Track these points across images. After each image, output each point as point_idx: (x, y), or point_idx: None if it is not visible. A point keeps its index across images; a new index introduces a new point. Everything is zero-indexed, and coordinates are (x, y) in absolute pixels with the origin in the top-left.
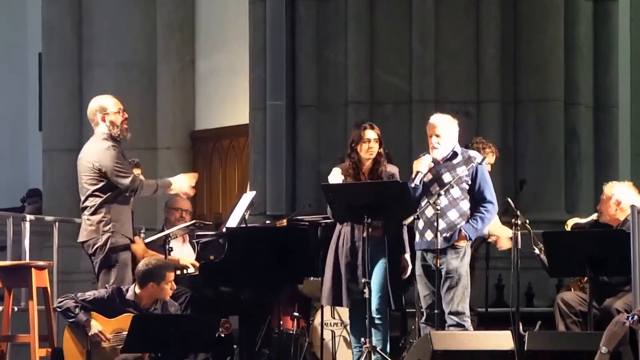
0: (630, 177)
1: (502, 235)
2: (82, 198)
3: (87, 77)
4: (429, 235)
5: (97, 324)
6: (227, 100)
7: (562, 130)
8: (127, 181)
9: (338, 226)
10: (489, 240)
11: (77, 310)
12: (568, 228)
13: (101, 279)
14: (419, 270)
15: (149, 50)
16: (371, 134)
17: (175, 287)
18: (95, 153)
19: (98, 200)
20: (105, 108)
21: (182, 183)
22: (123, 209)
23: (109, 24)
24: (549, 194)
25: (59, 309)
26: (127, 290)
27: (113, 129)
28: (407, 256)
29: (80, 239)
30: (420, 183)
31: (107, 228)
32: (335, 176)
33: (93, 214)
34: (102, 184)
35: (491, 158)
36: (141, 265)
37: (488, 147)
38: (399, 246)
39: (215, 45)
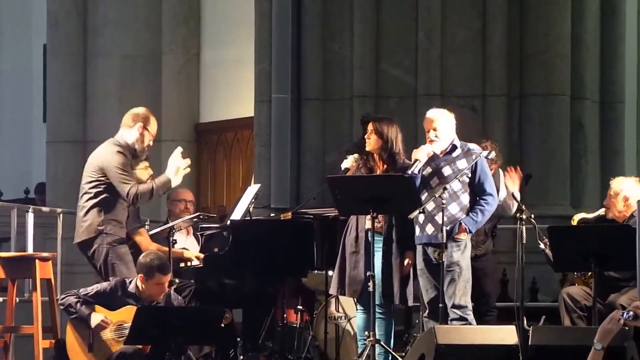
0: (635, 172)
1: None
2: (80, 197)
3: (91, 68)
4: (429, 229)
5: (99, 314)
6: (232, 92)
7: (568, 125)
8: (126, 188)
9: (351, 216)
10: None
11: (78, 305)
12: (574, 223)
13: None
14: (419, 265)
15: (154, 42)
16: (369, 125)
17: (166, 290)
18: (103, 155)
19: (91, 202)
20: (149, 122)
21: (173, 170)
22: (117, 207)
23: (114, 15)
24: (555, 188)
25: (61, 306)
26: (129, 282)
27: (138, 143)
28: (411, 253)
29: (77, 239)
30: (418, 172)
31: (99, 230)
32: (347, 161)
33: (86, 214)
34: (102, 186)
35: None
36: (142, 257)
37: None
38: (405, 241)
39: (221, 37)
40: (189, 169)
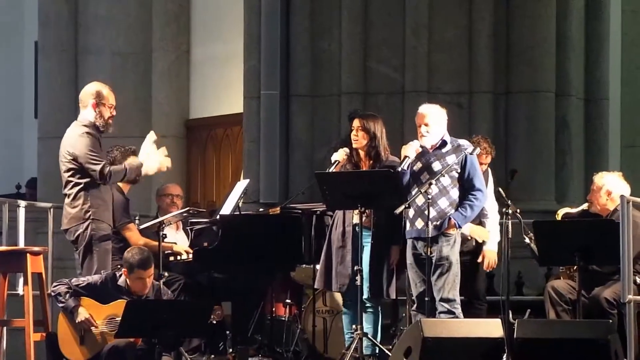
0: (619, 169)
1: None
2: (63, 185)
3: (82, 65)
4: (419, 223)
5: (85, 311)
6: (222, 89)
7: (553, 122)
8: (97, 168)
9: (336, 212)
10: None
11: (67, 296)
12: (559, 217)
13: (85, 266)
14: (409, 259)
15: (145, 39)
16: (355, 122)
17: (148, 286)
18: (72, 140)
19: (76, 188)
20: (102, 96)
21: (151, 161)
22: (104, 195)
23: (105, 12)
24: (540, 184)
25: (52, 293)
26: (119, 276)
27: (98, 119)
28: (397, 248)
29: (63, 226)
30: (408, 168)
31: (87, 215)
32: (338, 154)
33: (73, 201)
34: (76, 170)
35: (486, 159)
36: (125, 253)
37: (484, 149)
38: (390, 235)
39: (211, 34)
40: (169, 164)
